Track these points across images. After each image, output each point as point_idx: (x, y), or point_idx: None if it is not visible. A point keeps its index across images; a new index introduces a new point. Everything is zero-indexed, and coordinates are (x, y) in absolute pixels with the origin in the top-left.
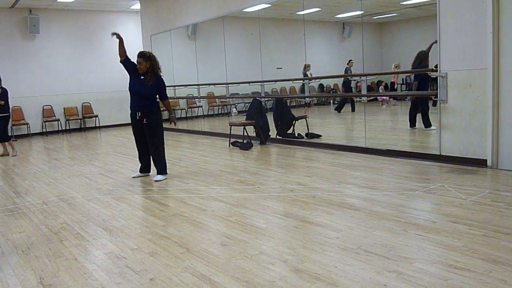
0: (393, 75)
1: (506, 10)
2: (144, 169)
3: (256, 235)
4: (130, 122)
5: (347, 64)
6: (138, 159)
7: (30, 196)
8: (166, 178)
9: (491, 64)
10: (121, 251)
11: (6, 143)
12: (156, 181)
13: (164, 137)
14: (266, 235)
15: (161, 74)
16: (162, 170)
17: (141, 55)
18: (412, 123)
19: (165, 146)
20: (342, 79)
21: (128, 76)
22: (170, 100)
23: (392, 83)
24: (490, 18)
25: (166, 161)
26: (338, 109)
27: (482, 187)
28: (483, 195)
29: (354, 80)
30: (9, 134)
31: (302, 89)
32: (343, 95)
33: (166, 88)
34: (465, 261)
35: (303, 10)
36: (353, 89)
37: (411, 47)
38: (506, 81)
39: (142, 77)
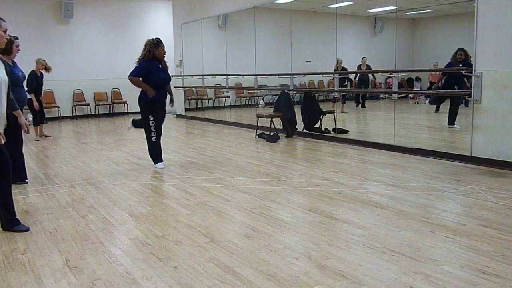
0: (430, 74)
1: None
2: (161, 155)
3: (281, 228)
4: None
5: (361, 61)
6: (158, 148)
7: (58, 179)
8: None
9: None
10: (146, 238)
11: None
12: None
13: (189, 126)
14: (290, 229)
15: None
16: None
17: (161, 41)
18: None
19: None
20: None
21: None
22: (198, 90)
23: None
24: None
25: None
26: (362, 104)
27: None
28: None
29: (384, 75)
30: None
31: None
32: (370, 91)
33: None
34: (495, 267)
35: (335, 4)
36: (382, 85)
37: (444, 45)
38: None
39: (160, 66)
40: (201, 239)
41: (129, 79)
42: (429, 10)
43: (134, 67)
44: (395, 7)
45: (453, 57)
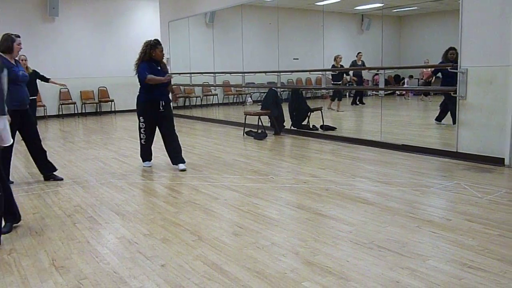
0: (422, 71)
1: None
2: (150, 157)
3: (268, 225)
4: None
5: (356, 56)
6: (147, 151)
7: None
8: None
9: None
10: (133, 236)
11: None
12: (183, 170)
13: (177, 124)
14: (278, 226)
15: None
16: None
17: (160, 42)
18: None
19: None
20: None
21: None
22: (186, 88)
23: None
24: None
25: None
26: (355, 102)
27: (498, 186)
28: (499, 194)
29: (371, 73)
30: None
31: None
32: (359, 88)
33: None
34: (480, 261)
35: (322, 1)
36: (369, 82)
37: (430, 42)
38: None
39: (159, 68)
40: (189, 237)
41: (146, 81)
42: (415, 8)
43: (138, 70)
44: (381, 4)
45: (444, 56)
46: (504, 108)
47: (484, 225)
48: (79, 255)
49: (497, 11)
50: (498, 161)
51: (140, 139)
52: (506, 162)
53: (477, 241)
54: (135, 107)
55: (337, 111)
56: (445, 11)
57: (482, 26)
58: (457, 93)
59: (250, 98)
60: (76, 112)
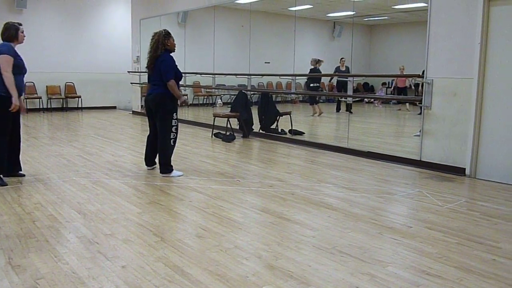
0: (396, 79)
1: (495, 22)
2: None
3: (232, 228)
4: (113, 105)
5: (339, 62)
6: (146, 149)
7: None
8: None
9: (477, 74)
10: (94, 236)
11: None
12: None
13: (144, 124)
14: (242, 229)
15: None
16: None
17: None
18: None
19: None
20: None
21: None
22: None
23: (400, 88)
24: (479, 29)
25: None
26: (349, 110)
27: (459, 195)
28: (459, 203)
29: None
30: None
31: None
32: (329, 94)
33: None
34: (438, 268)
35: (295, 6)
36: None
37: (399, 51)
38: (490, 92)
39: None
40: (151, 238)
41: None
42: (385, 17)
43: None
44: (353, 13)
45: None
46: (466, 119)
47: (443, 233)
48: (36, 254)
49: (462, 25)
50: (459, 171)
51: (170, 139)
52: (467, 172)
53: (436, 248)
54: (102, 104)
55: (317, 115)
56: (414, 22)
57: (448, 39)
58: (423, 103)
59: (219, 100)
60: (41, 107)
